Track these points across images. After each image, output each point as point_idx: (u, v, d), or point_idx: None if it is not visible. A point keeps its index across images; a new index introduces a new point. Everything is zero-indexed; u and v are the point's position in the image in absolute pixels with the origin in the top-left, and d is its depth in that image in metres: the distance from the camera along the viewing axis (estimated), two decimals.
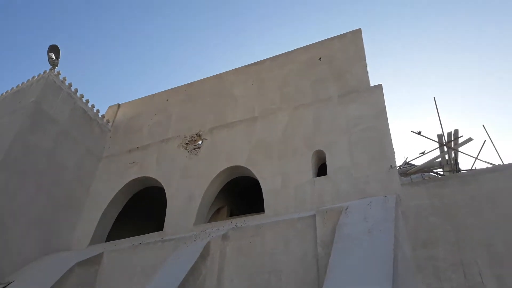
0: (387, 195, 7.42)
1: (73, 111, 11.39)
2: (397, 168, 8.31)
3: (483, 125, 8.44)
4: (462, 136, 8.67)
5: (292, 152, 9.04)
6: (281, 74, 10.96)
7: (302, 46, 11.15)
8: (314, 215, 7.48)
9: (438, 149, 8.93)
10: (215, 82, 11.95)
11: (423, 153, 9.16)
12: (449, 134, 8.73)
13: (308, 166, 8.58)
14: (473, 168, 8.78)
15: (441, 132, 8.73)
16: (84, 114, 11.77)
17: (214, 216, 11.32)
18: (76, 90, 11.84)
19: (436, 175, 9.72)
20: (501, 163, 8.06)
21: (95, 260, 8.68)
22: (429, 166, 9.07)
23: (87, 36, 33.52)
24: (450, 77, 29.39)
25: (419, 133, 8.68)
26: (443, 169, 9.02)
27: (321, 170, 8.97)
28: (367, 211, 7.15)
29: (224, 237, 8.04)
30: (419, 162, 10.77)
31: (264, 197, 8.75)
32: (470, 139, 8.35)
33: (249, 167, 9.35)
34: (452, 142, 8.63)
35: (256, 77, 11.28)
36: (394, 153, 8.24)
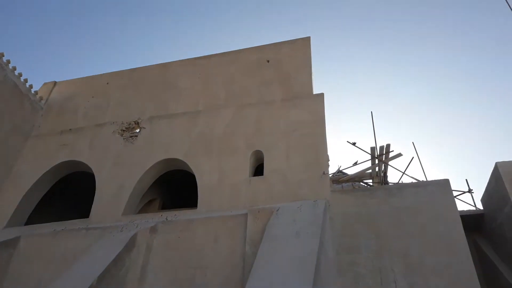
0: (317, 199, 7.61)
1: (1, 83, 10.68)
2: (330, 175, 8.69)
3: (412, 143, 9.09)
4: (393, 151, 9.08)
5: (231, 150, 9.01)
6: (229, 71, 10.88)
7: (253, 46, 11.17)
8: (246, 214, 7.50)
9: (370, 161, 9.32)
10: (160, 70, 11.65)
11: (355, 164, 9.50)
12: (381, 147, 9.23)
13: (246, 165, 8.61)
14: (400, 181, 9.28)
15: (374, 145, 9.15)
16: (15, 88, 11.09)
17: (145, 207, 11.01)
18: (9, 62, 11.11)
19: (365, 185, 10.17)
20: (425, 179, 8.71)
21: (10, 244, 8.25)
22: (360, 176, 9.46)
23: (29, 9, 31.35)
24: (388, 94, 30.85)
25: (354, 144, 9.01)
26: (372, 180, 9.41)
27: (258, 170, 9.01)
28: (297, 214, 7.30)
29: (153, 229, 7.90)
30: (351, 171, 11.22)
31: (198, 192, 8.64)
32: (399, 155, 8.69)
33: (186, 161, 9.20)
34: (384, 155, 9.01)
35: (203, 71, 11.13)
36: (329, 160, 8.59)
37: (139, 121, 10.36)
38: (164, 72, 11.55)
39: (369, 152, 9.21)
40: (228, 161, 8.79)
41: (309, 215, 7.20)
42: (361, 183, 10.25)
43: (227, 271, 7.06)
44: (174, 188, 11.80)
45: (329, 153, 8.68)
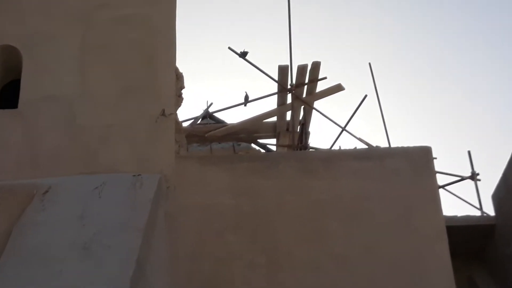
0: (142, 173, 4.37)
1: None
2: (183, 121, 6.33)
3: (369, 64, 6.92)
4: (325, 78, 6.88)
5: None
6: None
7: None
8: None
9: (276, 96, 6.87)
10: None
11: (246, 101, 6.98)
12: (301, 69, 6.50)
13: None
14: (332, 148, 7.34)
15: (287, 64, 6.87)
16: None
17: None
18: None
19: (260, 148, 7.71)
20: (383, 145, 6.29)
21: None
22: (250, 129, 7.21)
23: None
24: None
25: (242, 54, 6.23)
26: (277, 139, 7.40)
27: (7, 94, 4.86)
28: (91, 204, 4.06)
29: None
30: (235, 117, 8.51)
31: None
32: (339, 87, 6.74)
33: None
34: (304, 87, 6.80)
35: None
36: (182, 88, 5.29)
37: None
38: None
39: (276, 79, 6.18)
40: None
41: (116, 208, 4.11)
42: (254, 144, 7.63)
43: None
44: None
45: (183, 69, 5.15)
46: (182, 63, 5.02)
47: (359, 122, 9.81)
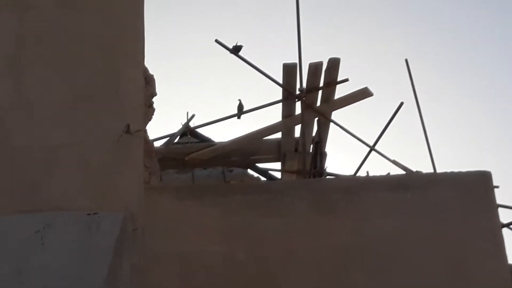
0: (101, 211, 4.65)
1: None
2: (154, 141, 7.23)
3: (406, 60, 7.97)
4: (347, 80, 7.47)
5: None
6: None
7: None
8: None
9: (282, 105, 7.90)
10: None
11: (240, 111, 7.81)
12: (314, 67, 6.98)
13: None
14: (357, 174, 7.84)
15: (296, 62, 7.37)
16: None
17: None
18: None
19: (258, 176, 8.56)
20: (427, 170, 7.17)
21: None
22: (246, 150, 7.99)
23: None
24: None
25: (234, 50, 6.81)
26: (284, 164, 8.39)
27: None
28: (31, 253, 4.34)
29: None
30: (222, 135, 8.48)
31: None
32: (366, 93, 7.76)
33: None
34: (317, 91, 7.52)
35: None
36: (153, 95, 5.91)
37: None
38: None
39: (280, 82, 6.66)
40: None
41: (65, 260, 4.33)
42: (251, 170, 8.31)
43: None
44: None
45: (154, 71, 5.71)
46: (153, 63, 5.26)
47: (392, 139, 10.01)
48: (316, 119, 6.91)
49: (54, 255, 4.13)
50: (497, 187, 5.10)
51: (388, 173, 6.20)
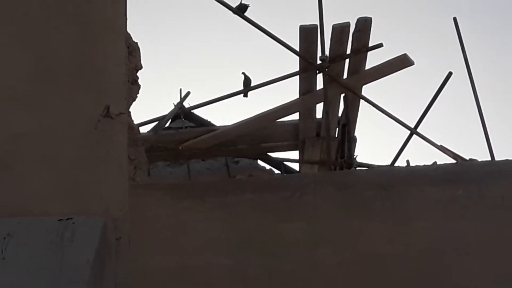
0: (76, 215, 4.64)
1: None
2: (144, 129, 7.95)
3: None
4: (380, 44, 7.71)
5: None
6: None
7: None
8: None
9: (299, 78, 7.95)
10: None
11: (247, 88, 7.81)
12: (339, 29, 7.06)
13: None
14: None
15: (317, 23, 7.33)
16: None
17: None
18: None
19: (272, 169, 8.69)
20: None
21: None
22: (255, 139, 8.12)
23: None
24: None
25: (239, 9, 7.07)
26: (301, 154, 8.57)
27: None
28: None
29: None
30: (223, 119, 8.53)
31: None
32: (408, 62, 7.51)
33: None
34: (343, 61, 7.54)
35: None
36: (138, 68, 6.02)
37: None
38: None
39: (297, 50, 6.90)
40: None
41: (32, 277, 4.34)
42: (261, 161, 8.46)
43: None
44: None
45: (139, 38, 5.82)
46: (138, 28, 5.41)
47: (439, 119, 9.95)
48: (342, 95, 7.02)
49: (17, 272, 4.08)
50: None
51: (435, 162, 6.23)
